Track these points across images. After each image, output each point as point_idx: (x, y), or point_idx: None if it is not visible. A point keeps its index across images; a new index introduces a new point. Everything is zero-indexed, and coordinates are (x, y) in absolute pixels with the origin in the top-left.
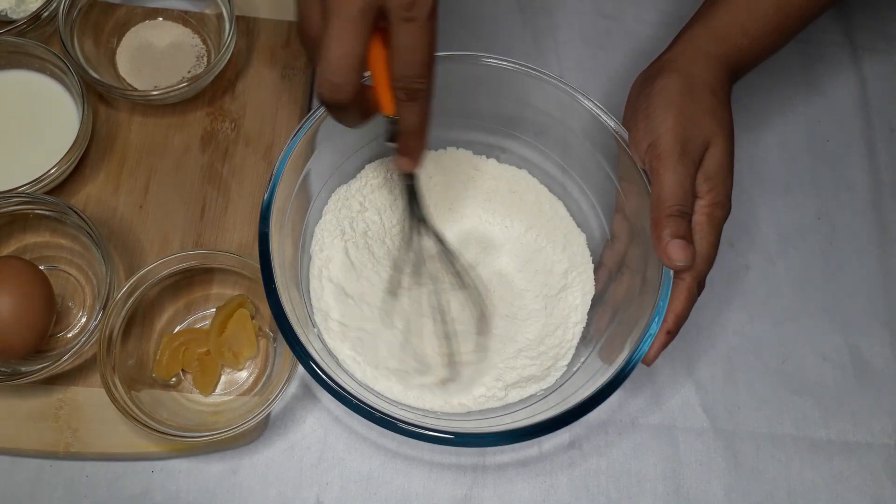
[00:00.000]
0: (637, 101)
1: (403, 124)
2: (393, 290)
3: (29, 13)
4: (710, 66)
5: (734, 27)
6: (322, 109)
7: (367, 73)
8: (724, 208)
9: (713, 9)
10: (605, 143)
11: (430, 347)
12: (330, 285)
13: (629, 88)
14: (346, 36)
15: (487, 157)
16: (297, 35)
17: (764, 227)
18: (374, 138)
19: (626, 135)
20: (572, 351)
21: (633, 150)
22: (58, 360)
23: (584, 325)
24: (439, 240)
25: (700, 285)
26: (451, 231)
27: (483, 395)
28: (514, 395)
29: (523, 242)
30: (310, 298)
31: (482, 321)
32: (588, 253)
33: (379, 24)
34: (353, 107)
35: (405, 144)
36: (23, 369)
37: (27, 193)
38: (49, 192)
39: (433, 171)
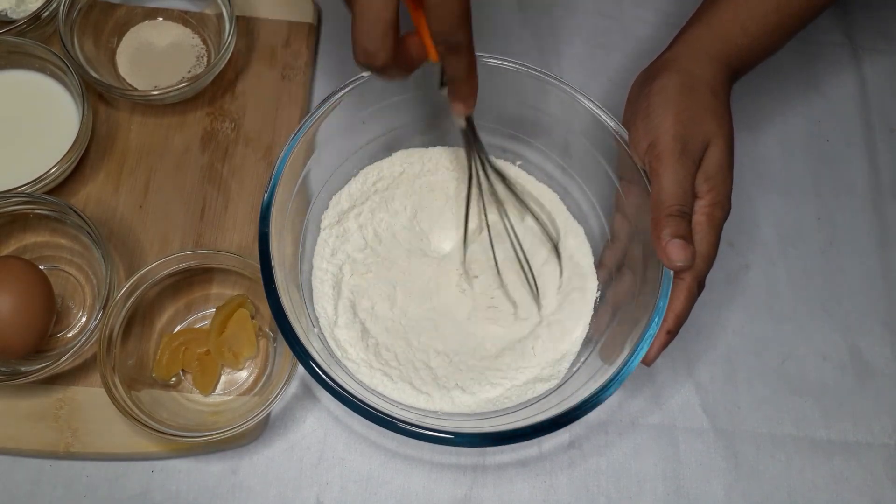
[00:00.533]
0: (637, 100)
1: (451, 73)
2: (462, 235)
3: (29, 13)
4: (710, 65)
5: (734, 27)
6: (322, 109)
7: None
8: (723, 208)
9: (713, 8)
10: (605, 143)
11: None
12: (332, 286)
13: (629, 88)
14: (375, 3)
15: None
16: None
17: (764, 227)
18: (374, 138)
19: (626, 135)
20: (575, 351)
21: (632, 150)
22: (58, 360)
23: (587, 326)
24: (501, 176)
25: (700, 285)
26: (454, 233)
27: (484, 397)
28: (515, 396)
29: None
30: (311, 298)
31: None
32: (590, 252)
33: None
34: (391, 67)
35: (456, 91)
36: (23, 369)
37: (27, 193)
38: (49, 192)
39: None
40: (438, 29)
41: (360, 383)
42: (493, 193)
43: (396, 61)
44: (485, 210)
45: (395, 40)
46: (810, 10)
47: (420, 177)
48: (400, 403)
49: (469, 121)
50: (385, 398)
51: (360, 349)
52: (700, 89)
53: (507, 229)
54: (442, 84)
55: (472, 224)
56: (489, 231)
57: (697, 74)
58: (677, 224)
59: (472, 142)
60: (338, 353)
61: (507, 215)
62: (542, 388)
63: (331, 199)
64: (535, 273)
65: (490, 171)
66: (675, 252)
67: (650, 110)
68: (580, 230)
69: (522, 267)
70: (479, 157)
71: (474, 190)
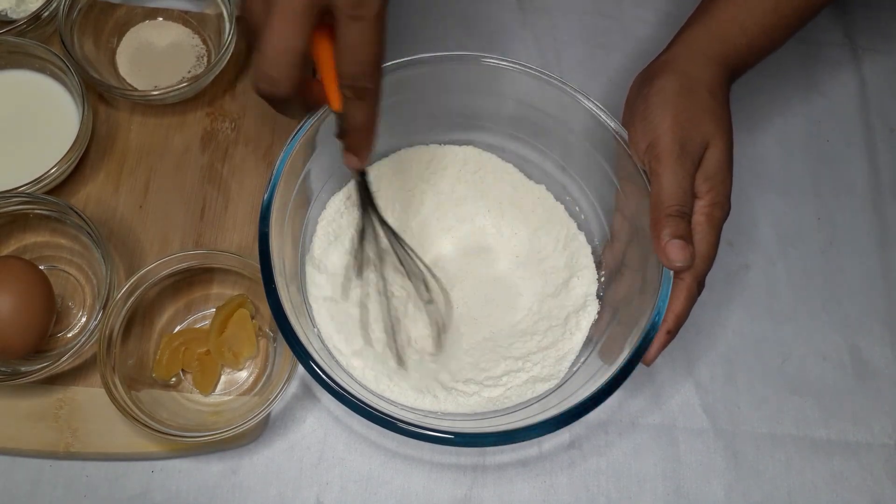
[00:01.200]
0: (635, 101)
1: (350, 122)
2: (346, 287)
3: (29, 13)
4: (708, 66)
5: (732, 27)
6: (323, 109)
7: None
8: (723, 208)
9: (711, 9)
10: (605, 143)
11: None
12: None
13: (628, 89)
14: (286, 30)
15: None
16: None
17: (764, 227)
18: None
19: (626, 135)
20: (575, 352)
21: (632, 151)
22: (58, 360)
23: (588, 327)
24: (395, 236)
25: (700, 285)
26: (452, 233)
27: (485, 397)
28: (515, 396)
29: (523, 244)
30: (309, 300)
31: (445, 313)
32: (590, 252)
33: (325, 20)
34: (293, 101)
35: (352, 142)
36: (23, 369)
37: (27, 193)
38: (49, 192)
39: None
40: (349, 71)
41: (360, 384)
42: (384, 247)
43: (299, 96)
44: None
45: (303, 73)
46: (808, 9)
47: (422, 176)
48: (400, 404)
49: (363, 175)
50: (385, 398)
51: (357, 349)
52: (699, 90)
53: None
54: (338, 134)
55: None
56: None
57: (696, 75)
58: (676, 224)
59: (364, 198)
60: (335, 354)
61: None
62: (542, 387)
63: (329, 199)
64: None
65: (384, 229)
66: (675, 252)
67: (649, 111)
68: (582, 237)
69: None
70: (372, 216)
71: (368, 244)
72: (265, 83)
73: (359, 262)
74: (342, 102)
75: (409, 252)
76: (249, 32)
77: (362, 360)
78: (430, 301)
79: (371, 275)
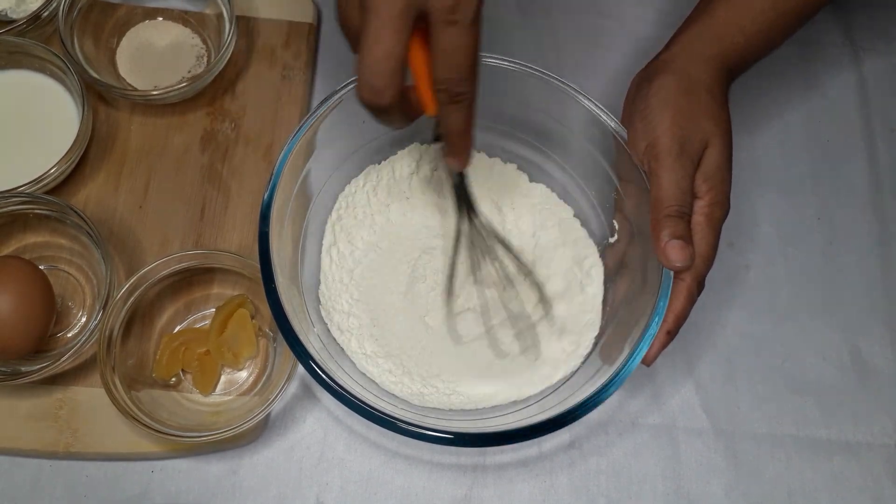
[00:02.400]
0: (634, 101)
1: (447, 126)
2: (450, 291)
3: (29, 13)
4: (706, 66)
5: (730, 27)
6: (323, 109)
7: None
8: (722, 208)
9: (709, 9)
10: (605, 143)
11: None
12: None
13: (627, 89)
14: (385, 36)
15: (489, 156)
16: (338, 25)
17: (764, 227)
18: (374, 138)
19: (625, 135)
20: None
21: (631, 151)
22: (58, 360)
23: (596, 331)
24: (494, 235)
25: (700, 285)
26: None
27: (486, 394)
28: (515, 396)
29: (527, 243)
30: (313, 296)
31: (544, 307)
32: (595, 251)
33: (420, 25)
34: (395, 109)
35: (451, 145)
36: (23, 369)
37: (27, 193)
38: (49, 192)
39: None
40: (445, 76)
41: (361, 383)
42: (484, 248)
43: (400, 103)
44: (477, 262)
45: (403, 80)
46: (807, 9)
47: (425, 174)
48: (399, 401)
49: (462, 177)
50: (385, 398)
51: (359, 346)
52: (697, 90)
53: (500, 278)
54: (436, 139)
55: (460, 277)
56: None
57: (694, 75)
58: (676, 224)
59: (463, 198)
60: (341, 342)
61: (500, 268)
62: (541, 386)
63: (336, 198)
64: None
65: (481, 227)
66: (675, 253)
67: (648, 111)
68: (585, 235)
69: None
70: (470, 215)
71: (464, 243)
72: (368, 93)
73: (453, 265)
74: (437, 107)
75: (512, 252)
76: (349, 37)
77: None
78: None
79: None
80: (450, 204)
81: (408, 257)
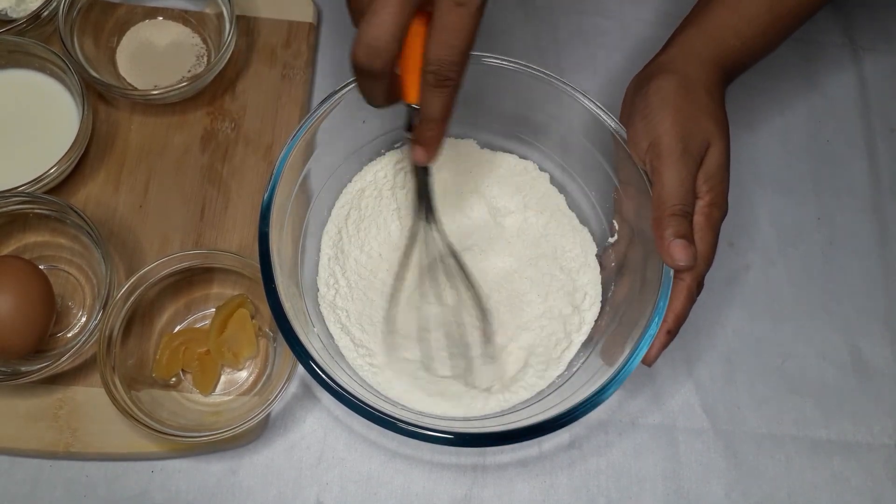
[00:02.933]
0: (633, 102)
1: (426, 111)
2: (395, 292)
3: (29, 12)
4: (703, 67)
5: (727, 29)
6: (322, 109)
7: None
8: (721, 208)
9: (705, 11)
10: (605, 143)
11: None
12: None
13: (625, 91)
14: (391, 4)
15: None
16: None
17: (764, 227)
18: (374, 138)
19: (626, 134)
20: (576, 349)
21: (632, 150)
22: (58, 360)
23: (590, 327)
24: (445, 240)
25: (699, 285)
26: (457, 223)
27: (485, 396)
28: (515, 396)
29: (530, 240)
30: (312, 297)
31: (485, 325)
32: (594, 251)
33: (422, 10)
34: (384, 79)
35: (423, 133)
36: (23, 369)
37: (27, 193)
38: (49, 192)
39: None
40: (438, 56)
41: (361, 382)
42: (438, 256)
43: (389, 74)
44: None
45: (398, 50)
46: (803, 11)
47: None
48: (400, 404)
49: (426, 174)
50: (385, 398)
51: (360, 347)
52: (697, 90)
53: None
54: (410, 126)
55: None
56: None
57: (693, 76)
58: (679, 224)
59: (423, 198)
60: (340, 345)
61: (457, 265)
62: (542, 387)
63: (336, 200)
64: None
65: (436, 230)
66: (679, 252)
67: (648, 110)
68: (587, 235)
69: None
70: (428, 217)
71: (419, 248)
72: (365, 53)
73: (404, 263)
74: (419, 95)
75: (460, 261)
76: (354, 9)
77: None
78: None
79: (409, 277)
80: (409, 204)
81: (407, 260)
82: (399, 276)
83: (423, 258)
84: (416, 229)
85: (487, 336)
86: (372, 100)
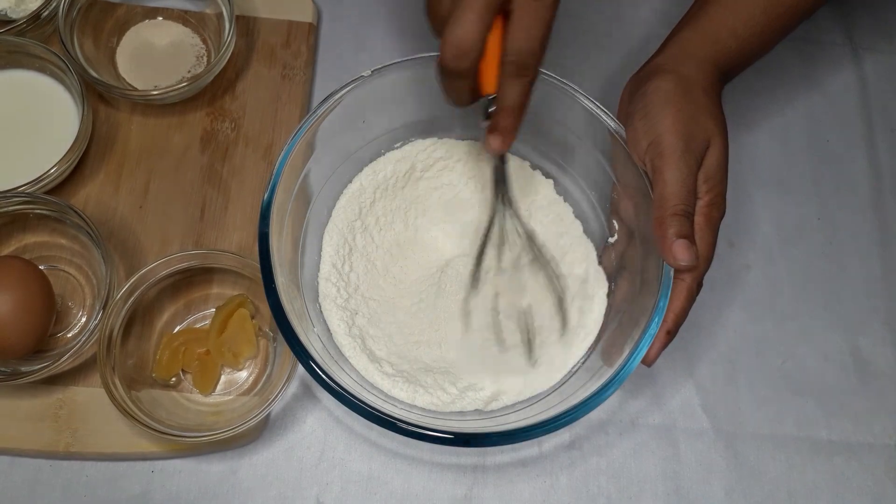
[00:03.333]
0: (631, 102)
1: (504, 101)
2: (476, 280)
3: (29, 13)
4: (700, 68)
5: (723, 30)
6: (322, 109)
7: None
8: (720, 208)
9: (702, 12)
10: (605, 143)
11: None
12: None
13: (621, 92)
14: (477, 7)
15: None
16: (425, 12)
17: (764, 227)
18: (374, 138)
19: (625, 134)
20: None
21: (632, 150)
22: (57, 360)
23: (596, 328)
24: (524, 225)
25: (699, 285)
26: (461, 227)
27: (486, 397)
28: (515, 396)
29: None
30: (312, 298)
31: (559, 306)
32: (594, 251)
33: (501, 9)
34: (470, 78)
35: (500, 121)
36: (23, 369)
37: (27, 193)
38: (49, 192)
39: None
40: (518, 46)
41: (362, 382)
42: (511, 237)
43: (475, 73)
44: (501, 248)
45: (482, 51)
46: (800, 12)
47: (426, 173)
48: (400, 403)
49: (503, 160)
50: (385, 398)
51: (360, 347)
52: (695, 90)
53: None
54: (486, 116)
55: (487, 261)
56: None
57: (690, 76)
58: (681, 223)
59: (501, 181)
60: (338, 343)
61: (522, 258)
62: (542, 386)
63: (337, 200)
64: (534, 325)
65: (512, 215)
66: (681, 252)
67: (648, 109)
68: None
69: (525, 313)
70: (504, 200)
71: (495, 230)
72: (453, 54)
73: (481, 251)
74: (497, 85)
75: (538, 247)
76: (435, 19)
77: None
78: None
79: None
80: (488, 187)
81: (411, 259)
82: (477, 261)
83: (497, 240)
84: (493, 214)
85: (563, 312)
86: (457, 99)
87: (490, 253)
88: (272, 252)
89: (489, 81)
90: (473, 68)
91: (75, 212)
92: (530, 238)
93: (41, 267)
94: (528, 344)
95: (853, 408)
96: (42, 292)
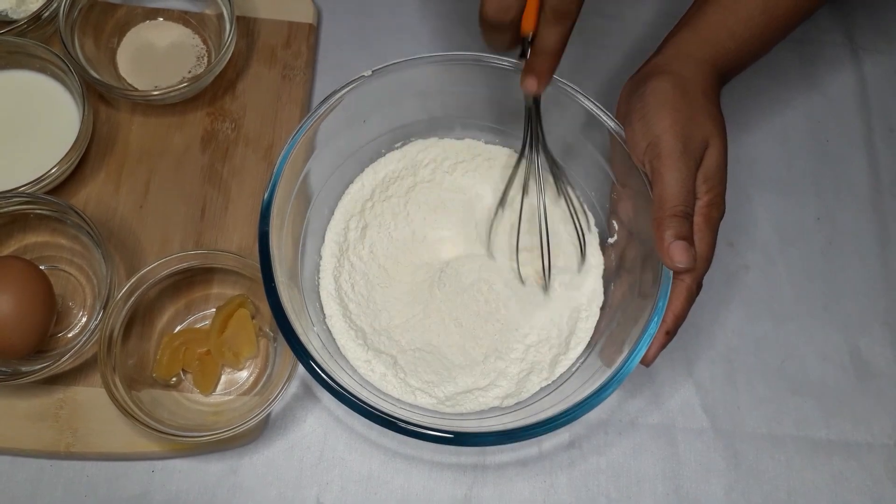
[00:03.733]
0: (629, 103)
1: (542, 44)
2: (503, 202)
3: (29, 13)
4: (699, 69)
5: (721, 31)
6: (323, 109)
7: None
8: (720, 209)
9: (700, 12)
10: (605, 143)
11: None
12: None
13: (619, 93)
14: None
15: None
16: None
17: (764, 227)
18: (374, 138)
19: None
20: (580, 350)
21: (630, 151)
22: (58, 360)
23: (592, 328)
24: (553, 161)
25: (699, 286)
26: (457, 239)
27: (486, 396)
28: (515, 396)
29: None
30: (312, 297)
31: (581, 240)
32: (599, 252)
33: None
34: (511, 30)
35: (535, 63)
36: (23, 369)
37: (28, 193)
38: (49, 192)
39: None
40: None
41: (362, 382)
42: (538, 180)
43: (515, 24)
44: (525, 191)
45: (522, 4)
46: (798, 13)
47: (427, 173)
48: (400, 403)
49: (536, 101)
50: (385, 397)
51: (360, 347)
52: (693, 91)
53: (539, 218)
54: (522, 54)
55: (511, 193)
56: (520, 215)
57: (688, 77)
58: (680, 225)
59: (533, 120)
60: (339, 344)
61: (544, 205)
62: (541, 387)
63: (337, 199)
64: (550, 268)
65: (541, 157)
66: (679, 254)
67: (646, 110)
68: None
69: (543, 258)
70: (533, 139)
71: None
72: (496, 8)
73: (509, 182)
74: (536, 29)
75: (568, 184)
76: None
77: (362, 357)
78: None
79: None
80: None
81: (411, 259)
82: (501, 202)
83: (528, 175)
84: (524, 151)
85: (581, 247)
86: (498, 47)
87: (517, 186)
88: (272, 252)
89: (529, 20)
90: (514, 22)
91: (76, 212)
92: (556, 176)
93: (42, 267)
94: (546, 273)
95: (852, 407)
96: (43, 292)
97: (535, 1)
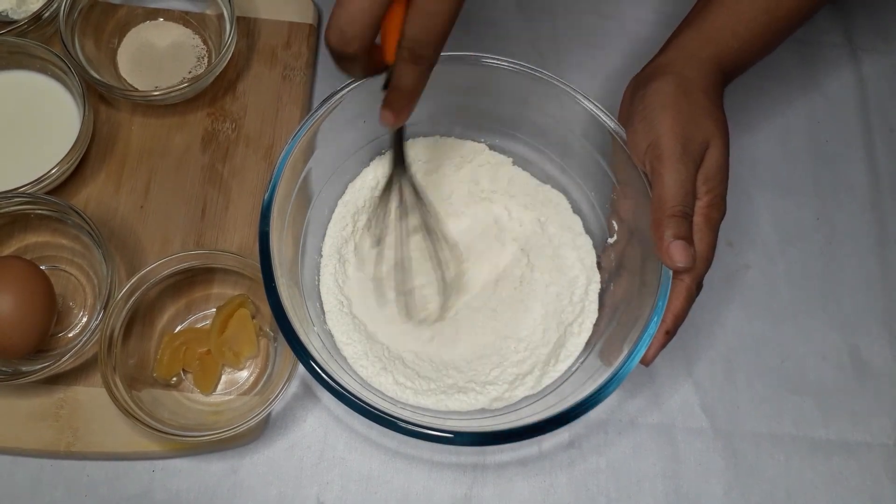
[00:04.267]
0: (631, 103)
1: (397, 82)
2: (376, 241)
3: (30, 14)
4: (702, 69)
5: (724, 31)
6: (323, 109)
7: None
8: (720, 209)
9: (703, 13)
10: (605, 143)
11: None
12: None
13: (623, 92)
14: None
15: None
16: None
17: (764, 227)
18: (374, 138)
19: (625, 135)
20: (578, 350)
21: (631, 151)
22: (59, 360)
23: (591, 328)
24: (417, 193)
25: (699, 285)
26: (458, 221)
27: (486, 396)
28: (515, 396)
29: (530, 238)
30: (312, 297)
31: (456, 277)
32: (593, 252)
33: None
34: (358, 61)
35: (392, 99)
36: (24, 369)
37: (28, 193)
38: (50, 193)
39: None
40: (415, 35)
41: (362, 382)
42: (410, 206)
43: (364, 56)
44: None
45: (373, 38)
46: (800, 13)
47: (427, 173)
48: (400, 402)
49: (400, 131)
50: (386, 397)
51: (360, 347)
52: (695, 91)
53: (430, 239)
54: (385, 85)
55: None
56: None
57: (690, 77)
58: (679, 225)
59: (397, 153)
60: (339, 344)
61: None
62: (541, 387)
63: (337, 199)
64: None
65: (410, 191)
66: (678, 253)
67: (647, 111)
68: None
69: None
70: (398, 174)
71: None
72: (337, 38)
73: (378, 218)
74: (395, 57)
75: (431, 212)
76: None
77: (363, 358)
78: (441, 263)
79: (389, 236)
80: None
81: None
82: (378, 223)
83: (399, 211)
84: (391, 183)
85: (457, 268)
86: (349, 74)
87: (391, 215)
88: (272, 252)
89: (388, 52)
90: (359, 54)
91: (76, 212)
92: (422, 205)
93: (42, 267)
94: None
95: (851, 407)
96: (43, 292)
97: (395, 33)
